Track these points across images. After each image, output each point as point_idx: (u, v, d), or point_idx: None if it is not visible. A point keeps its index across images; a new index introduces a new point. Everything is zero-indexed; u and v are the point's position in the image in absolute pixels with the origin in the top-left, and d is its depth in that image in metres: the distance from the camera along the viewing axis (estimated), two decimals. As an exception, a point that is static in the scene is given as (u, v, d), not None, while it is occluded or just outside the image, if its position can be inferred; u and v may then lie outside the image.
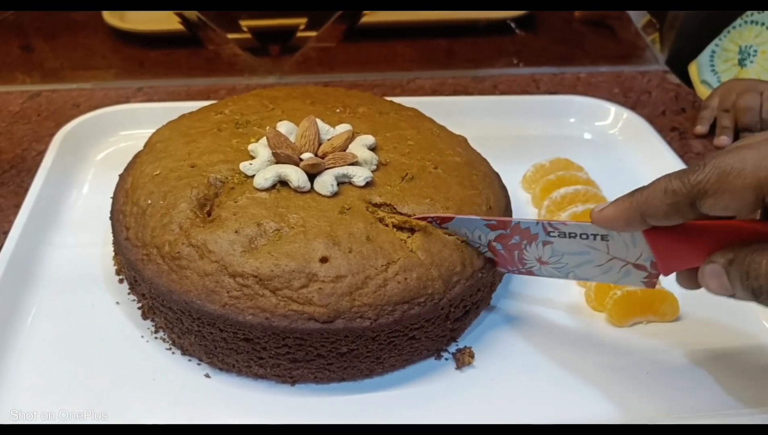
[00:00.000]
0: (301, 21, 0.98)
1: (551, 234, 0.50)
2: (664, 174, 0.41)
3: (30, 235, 0.61)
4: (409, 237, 0.52)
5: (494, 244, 0.53)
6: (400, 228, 0.52)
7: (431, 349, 0.54)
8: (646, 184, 0.42)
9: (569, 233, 0.49)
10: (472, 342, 0.56)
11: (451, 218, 0.53)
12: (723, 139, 0.85)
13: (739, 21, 0.95)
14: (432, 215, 0.53)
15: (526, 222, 0.50)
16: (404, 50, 1.06)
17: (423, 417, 0.50)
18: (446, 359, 0.54)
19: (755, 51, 0.95)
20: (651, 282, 0.48)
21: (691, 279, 0.45)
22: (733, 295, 0.41)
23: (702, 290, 0.44)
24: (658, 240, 0.45)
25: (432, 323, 0.52)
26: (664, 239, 0.44)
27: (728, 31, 0.97)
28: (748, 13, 0.94)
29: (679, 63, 1.03)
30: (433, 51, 1.06)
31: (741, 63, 0.96)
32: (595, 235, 0.48)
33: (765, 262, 0.39)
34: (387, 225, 0.52)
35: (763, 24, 0.94)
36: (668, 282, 0.60)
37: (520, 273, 0.53)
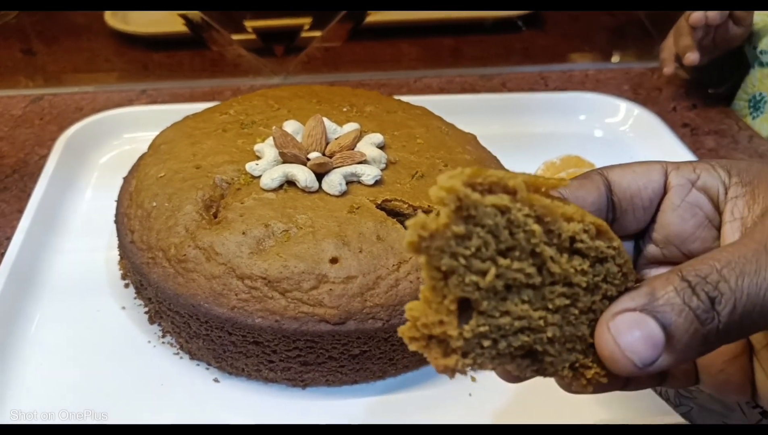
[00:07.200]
0: (306, 21, 0.97)
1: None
2: None
3: (33, 241, 0.60)
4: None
5: None
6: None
7: (445, 350, 0.53)
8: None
9: None
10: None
11: None
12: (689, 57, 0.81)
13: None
14: None
15: None
16: (410, 49, 1.05)
17: (438, 419, 0.49)
18: (460, 361, 0.53)
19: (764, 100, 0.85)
20: None
21: None
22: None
23: None
24: None
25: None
26: None
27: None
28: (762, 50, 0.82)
29: None
30: (439, 49, 1.05)
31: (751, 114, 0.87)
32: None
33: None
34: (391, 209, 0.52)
35: None
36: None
37: None
